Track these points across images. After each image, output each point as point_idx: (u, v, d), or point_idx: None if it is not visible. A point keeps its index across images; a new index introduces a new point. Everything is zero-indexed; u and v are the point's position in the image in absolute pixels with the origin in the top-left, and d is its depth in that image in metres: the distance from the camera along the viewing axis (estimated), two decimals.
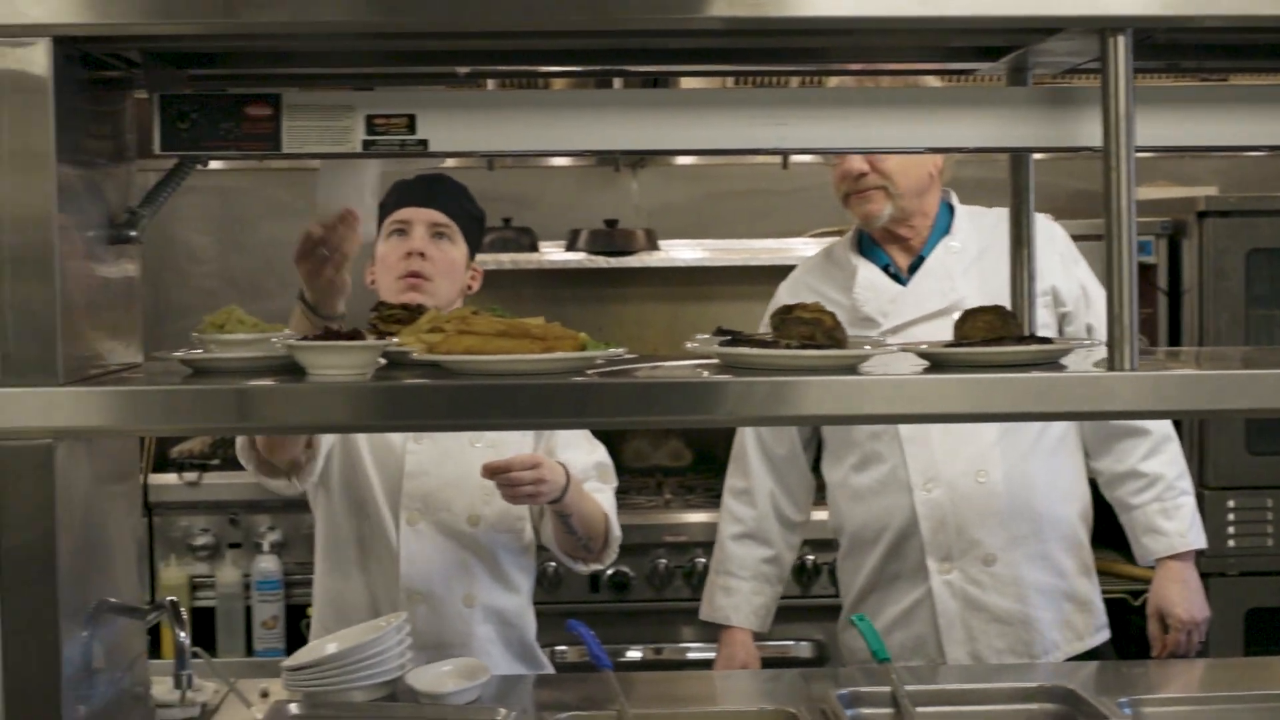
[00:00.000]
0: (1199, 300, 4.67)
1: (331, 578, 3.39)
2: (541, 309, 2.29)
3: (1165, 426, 3.50)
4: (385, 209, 3.32)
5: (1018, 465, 3.39)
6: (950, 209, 3.54)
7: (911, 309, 3.40)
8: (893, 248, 3.51)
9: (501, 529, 3.35)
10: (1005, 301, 2.55)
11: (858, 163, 3.39)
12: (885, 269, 3.50)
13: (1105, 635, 3.51)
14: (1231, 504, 4.66)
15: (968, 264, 3.43)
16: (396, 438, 3.31)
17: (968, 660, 3.38)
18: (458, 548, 3.31)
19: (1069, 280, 3.43)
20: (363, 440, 3.32)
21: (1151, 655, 3.49)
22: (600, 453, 3.42)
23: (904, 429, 3.39)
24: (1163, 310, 4.78)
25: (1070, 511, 3.47)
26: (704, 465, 5.47)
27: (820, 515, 3.76)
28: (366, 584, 3.35)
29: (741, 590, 3.57)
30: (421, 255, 3.27)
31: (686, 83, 4.15)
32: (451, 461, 3.31)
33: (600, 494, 3.36)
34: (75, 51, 2.13)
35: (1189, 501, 3.48)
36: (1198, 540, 3.48)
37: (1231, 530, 4.65)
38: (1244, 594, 4.68)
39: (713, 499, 4.88)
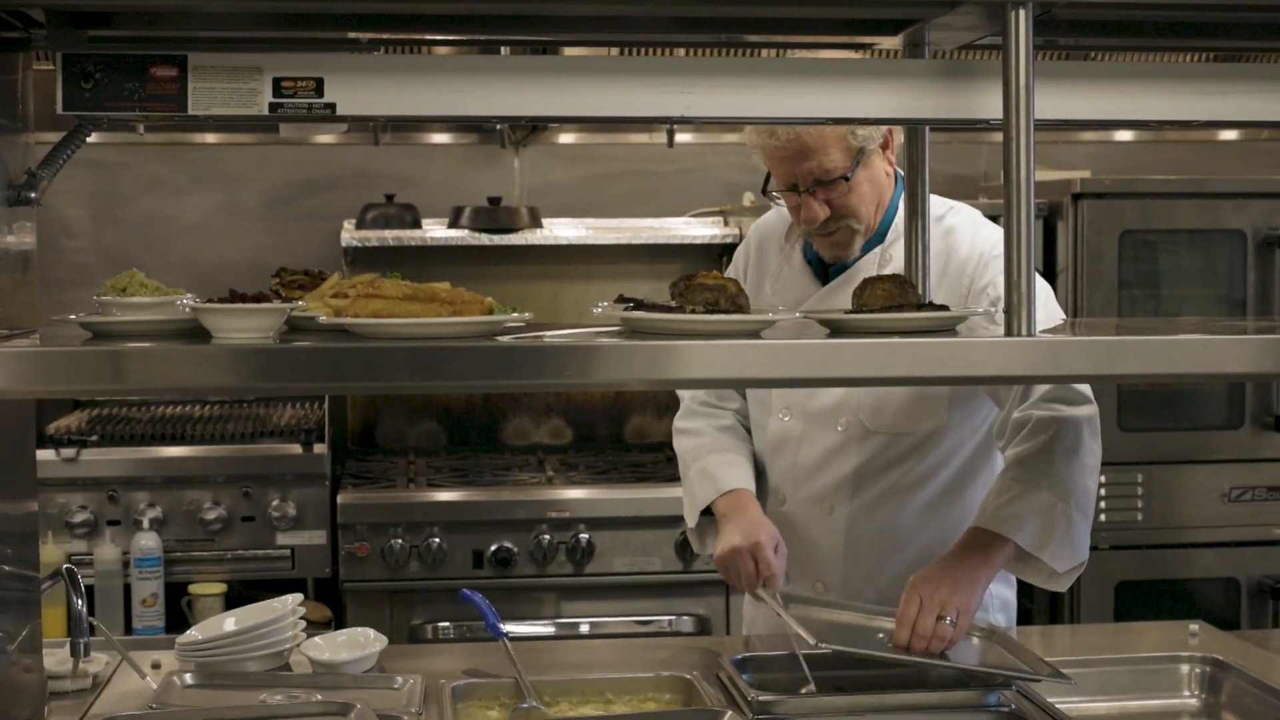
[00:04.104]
0: (1073, 280, 4.76)
1: None
2: None
3: (1066, 435, 2.98)
4: None
5: (867, 504, 3.18)
6: (896, 207, 3.15)
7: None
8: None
9: None
10: None
11: (817, 208, 3.05)
12: (810, 263, 3.25)
13: None
14: (1103, 479, 4.73)
15: None
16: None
17: None
18: None
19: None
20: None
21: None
22: None
23: (772, 435, 3.25)
24: None
25: (916, 559, 3.14)
26: (585, 443, 5.50)
27: None
28: None
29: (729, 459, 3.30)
30: None
31: (570, 52, 4.15)
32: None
33: None
34: None
35: (1037, 498, 2.95)
36: (1013, 532, 2.94)
37: (1103, 505, 4.75)
38: (1114, 567, 4.80)
39: (594, 475, 4.91)
